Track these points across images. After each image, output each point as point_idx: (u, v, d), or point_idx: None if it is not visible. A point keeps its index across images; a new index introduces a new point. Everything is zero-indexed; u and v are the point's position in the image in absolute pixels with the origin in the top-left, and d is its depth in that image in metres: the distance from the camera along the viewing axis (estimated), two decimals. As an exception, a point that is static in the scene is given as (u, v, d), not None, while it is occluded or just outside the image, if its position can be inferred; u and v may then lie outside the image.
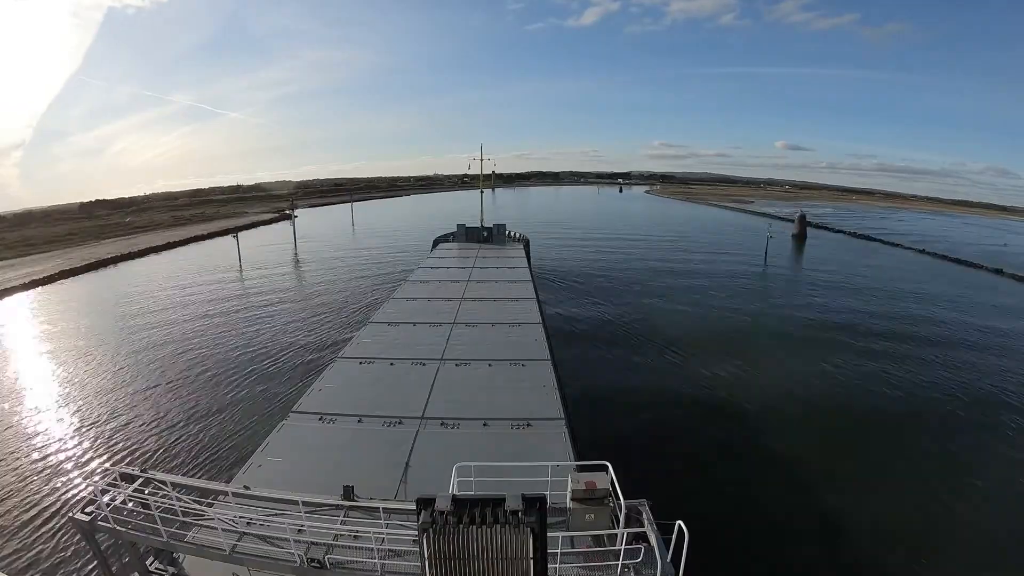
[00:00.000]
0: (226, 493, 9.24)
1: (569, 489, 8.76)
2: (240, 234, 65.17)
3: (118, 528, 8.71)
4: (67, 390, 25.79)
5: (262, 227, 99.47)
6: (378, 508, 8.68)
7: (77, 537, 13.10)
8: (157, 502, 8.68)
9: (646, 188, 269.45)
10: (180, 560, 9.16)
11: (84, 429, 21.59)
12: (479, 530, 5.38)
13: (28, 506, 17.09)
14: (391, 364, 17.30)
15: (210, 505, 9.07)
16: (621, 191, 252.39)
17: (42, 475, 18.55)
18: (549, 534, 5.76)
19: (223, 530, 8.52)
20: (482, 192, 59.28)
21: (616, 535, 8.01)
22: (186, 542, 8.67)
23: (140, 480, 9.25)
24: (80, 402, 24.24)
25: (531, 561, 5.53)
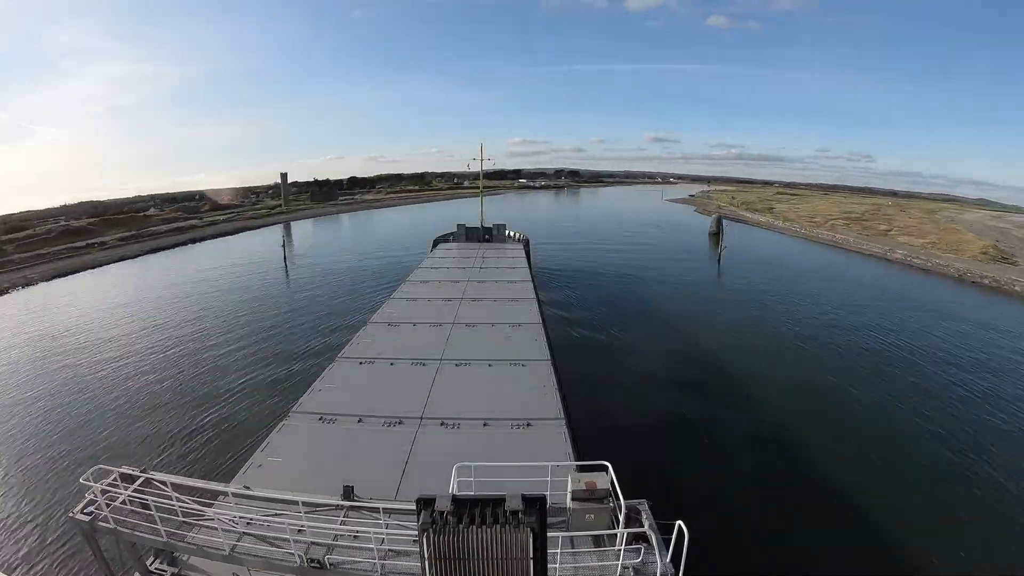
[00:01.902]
0: (226, 493, 9.24)
1: (569, 489, 8.76)
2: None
3: (118, 528, 8.70)
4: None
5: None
6: (378, 508, 8.68)
7: (77, 537, 13.08)
8: (157, 502, 8.67)
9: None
10: (180, 560, 9.16)
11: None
12: (479, 530, 5.38)
13: (28, 505, 17.13)
14: (391, 364, 17.30)
15: (210, 505, 9.07)
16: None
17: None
18: (549, 534, 5.76)
19: (223, 530, 8.52)
20: (482, 192, 59.26)
21: (616, 535, 8.01)
22: (186, 542, 8.67)
23: (140, 480, 9.25)
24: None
25: (531, 561, 5.53)
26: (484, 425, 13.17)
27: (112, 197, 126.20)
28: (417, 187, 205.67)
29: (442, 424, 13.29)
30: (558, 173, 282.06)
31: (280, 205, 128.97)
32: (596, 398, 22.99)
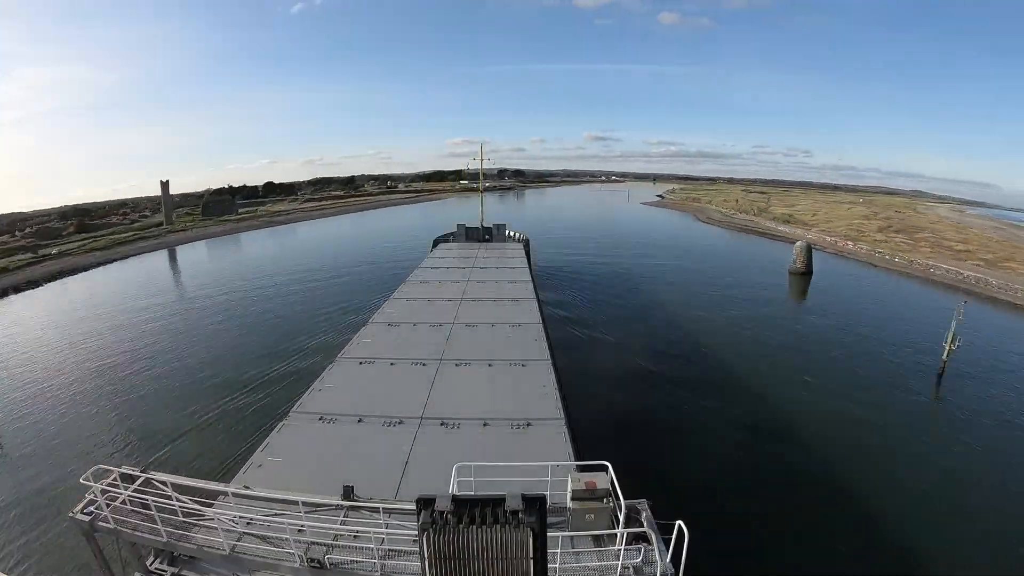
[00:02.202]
0: (226, 493, 9.23)
1: (569, 489, 8.76)
2: None
3: (118, 528, 8.71)
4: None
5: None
6: (378, 508, 8.68)
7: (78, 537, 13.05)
8: (157, 502, 8.67)
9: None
10: (180, 560, 9.15)
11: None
12: (479, 530, 5.38)
13: (29, 503, 17.10)
14: (391, 364, 17.29)
15: (210, 505, 9.07)
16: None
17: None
18: (549, 534, 5.76)
19: (223, 530, 8.52)
20: (482, 192, 59.21)
21: (616, 535, 8.01)
22: (186, 542, 8.67)
23: (140, 480, 9.25)
24: None
25: (531, 561, 5.52)
26: (484, 425, 13.16)
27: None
28: (343, 192, 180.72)
29: (442, 424, 13.28)
30: (501, 173, 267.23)
31: (162, 223, 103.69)
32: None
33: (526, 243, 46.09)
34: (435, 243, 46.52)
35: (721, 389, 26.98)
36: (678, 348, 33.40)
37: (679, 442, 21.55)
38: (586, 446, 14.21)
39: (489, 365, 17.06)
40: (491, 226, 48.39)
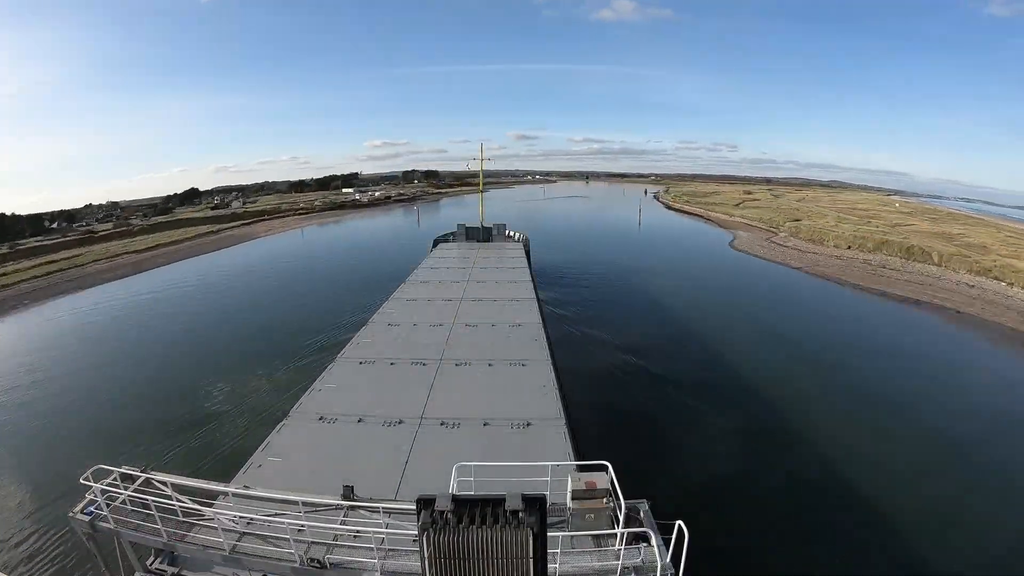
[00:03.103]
0: (226, 493, 9.24)
1: (569, 489, 8.77)
2: None
3: (118, 528, 8.71)
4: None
5: None
6: (378, 508, 8.69)
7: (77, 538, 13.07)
8: (157, 502, 8.68)
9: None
10: (180, 560, 9.16)
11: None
12: (479, 530, 5.38)
13: (28, 502, 17.08)
14: (391, 364, 17.30)
15: (210, 505, 9.07)
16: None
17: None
18: (549, 534, 5.76)
19: (223, 530, 8.53)
20: (482, 192, 59.22)
21: (616, 535, 8.02)
22: (186, 542, 8.67)
23: (140, 480, 9.25)
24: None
25: (531, 561, 5.52)
26: (484, 425, 13.17)
27: None
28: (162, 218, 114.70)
29: (442, 424, 13.28)
30: (408, 176, 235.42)
31: None
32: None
33: (526, 243, 46.10)
34: (435, 243, 46.52)
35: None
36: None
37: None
38: (586, 446, 14.24)
39: (489, 365, 17.06)
40: (491, 226, 48.40)
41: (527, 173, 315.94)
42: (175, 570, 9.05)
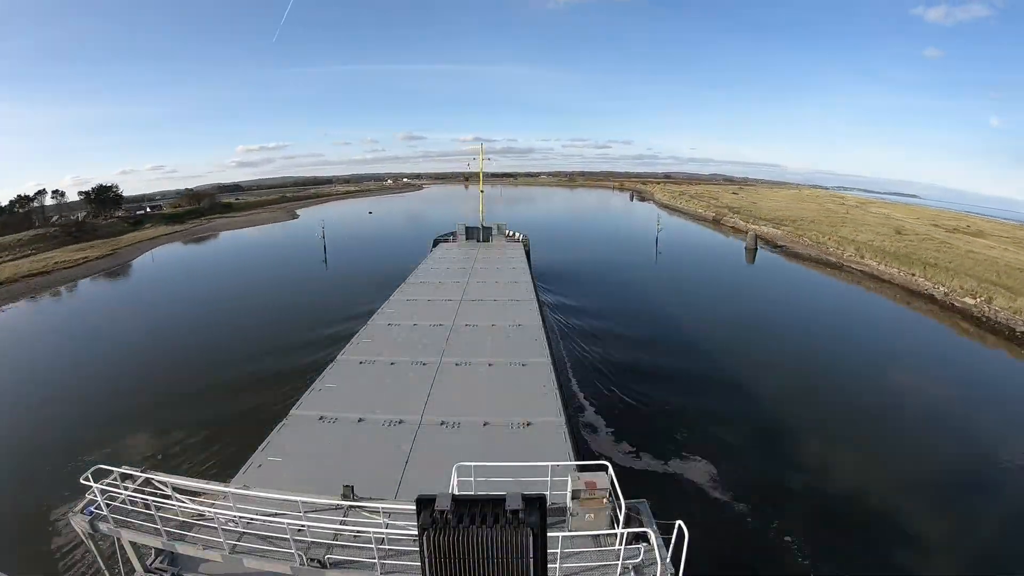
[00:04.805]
0: (226, 493, 9.24)
1: (569, 489, 8.76)
2: None
3: (118, 528, 8.71)
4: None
5: None
6: (378, 508, 8.68)
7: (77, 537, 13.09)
8: (157, 502, 8.68)
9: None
10: (180, 560, 9.16)
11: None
12: (479, 530, 5.38)
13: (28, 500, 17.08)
14: (391, 364, 17.29)
15: (210, 505, 9.07)
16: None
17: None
18: (549, 534, 5.76)
19: (223, 530, 8.52)
20: (482, 191, 59.23)
21: (616, 535, 8.02)
22: (186, 542, 8.67)
23: (140, 480, 9.25)
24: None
25: (531, 561, 5.52)
26: (484, 425, 13.17)
27: None
28: None
29: (442, 424, 13.28)
30: (220, 193, 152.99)
31: None
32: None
33: (526, 243, 46.10)
34: (435, 243, 46.52)
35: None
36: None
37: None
38: (586, 446, 14.23)
39: (489, 365, 17.06)
40: (491, 226, 48.38)
41: (399, 176, 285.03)
42: (175, 570, 9.06)
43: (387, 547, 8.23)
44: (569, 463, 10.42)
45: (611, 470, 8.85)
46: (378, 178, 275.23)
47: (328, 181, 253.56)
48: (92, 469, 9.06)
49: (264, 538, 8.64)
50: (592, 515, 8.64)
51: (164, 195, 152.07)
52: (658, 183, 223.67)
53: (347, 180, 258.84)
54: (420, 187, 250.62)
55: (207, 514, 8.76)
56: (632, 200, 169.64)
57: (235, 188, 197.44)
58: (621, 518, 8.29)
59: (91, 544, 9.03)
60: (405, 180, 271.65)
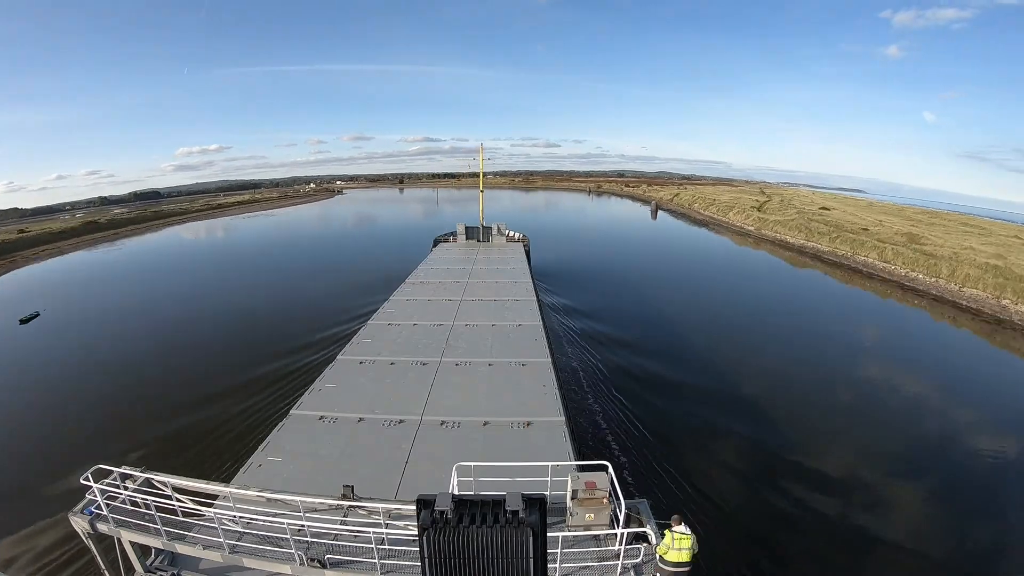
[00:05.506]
0: (226, 493, 9.24)
1: (569, 489, 8.77)
2: None
3: (118, 528, 8.71)
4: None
5: None
6: (378, 508, 8.68)
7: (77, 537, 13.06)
8: (157, 502, 8.68)
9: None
10: (180, 560, 9.16)
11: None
12: (479, 530, 5.38)
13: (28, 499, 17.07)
14: (391, 364, 17.29)
15: (210, 505, 9.07)
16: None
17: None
18: (549, 534, 5.76)
19: (223, 530, 8.52)
20: (482, 191, 59.21)
21: (616, 535, 8.02)
22: (186, 542, 8.67)
23: (140, 480, 9.25)
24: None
25: (531, 561, 5.52)
26: (484, 425, 13.16)
27: None
28: None
29: (442, 424, 13.28)
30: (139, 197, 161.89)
31: None
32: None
33: (526, 243, 46.09)
34: (435, 243, 46.50)
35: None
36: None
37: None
38: (586, 446, 14.23)
39: (489, 365, 17.06)
40: (491, 226, 48.38)
41: (312, 180, 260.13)
42: (175, 570, 9.05)
43: (387, 547, 8.23)
44: (569, 463, 10.42)
45: (611, 470, 8.85)
46: (319, 180, 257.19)
47: (255, 186, 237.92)
48: (92, 469, 9.05)
49: (264, 538, 8.64)
50: (592, 515, 8.64)
51: (90, 202, 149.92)
52: (659, 185, 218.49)
53: (276, 184, 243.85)
54: (337, 191, 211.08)
55: (207, 514, 8.76)
56: (655, 216, 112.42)
57: (155, 195, 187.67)
58: (621, 518, 8.29)
59: (91, 544, 9.02)
60: (312, 185, 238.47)
